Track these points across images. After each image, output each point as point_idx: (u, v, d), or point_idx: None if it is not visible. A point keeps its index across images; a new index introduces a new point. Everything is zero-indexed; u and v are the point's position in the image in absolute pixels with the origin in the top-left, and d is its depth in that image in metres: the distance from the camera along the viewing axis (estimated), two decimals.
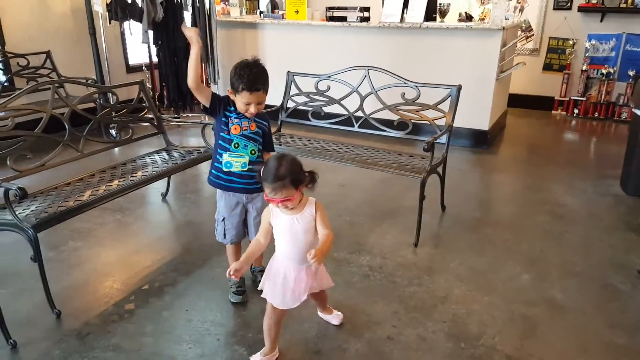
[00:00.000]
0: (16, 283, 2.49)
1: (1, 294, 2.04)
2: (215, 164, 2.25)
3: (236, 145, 2.18)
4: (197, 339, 2.11)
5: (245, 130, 2.18)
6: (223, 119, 2.18)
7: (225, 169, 2.21)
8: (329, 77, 3.58)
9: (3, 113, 2.74)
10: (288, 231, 1.81)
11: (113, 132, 4.86)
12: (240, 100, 2.11)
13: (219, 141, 2.21)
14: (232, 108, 2.18)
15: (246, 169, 2.20)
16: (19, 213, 2.25)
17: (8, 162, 2.48)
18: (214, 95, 2.19)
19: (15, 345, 2.04)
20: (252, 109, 2.11)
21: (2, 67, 4.64)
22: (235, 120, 2.17)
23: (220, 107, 2.19)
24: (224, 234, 2.33)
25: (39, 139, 2.63)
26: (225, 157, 2.19)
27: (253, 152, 2.21)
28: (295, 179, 1.70)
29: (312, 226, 1.81)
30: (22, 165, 2.56)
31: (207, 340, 2.11)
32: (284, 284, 1.85)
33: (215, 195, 2.34)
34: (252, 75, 2.05)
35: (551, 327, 2.23)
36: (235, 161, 2.19)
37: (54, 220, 2.29)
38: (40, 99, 4.38)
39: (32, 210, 2.33)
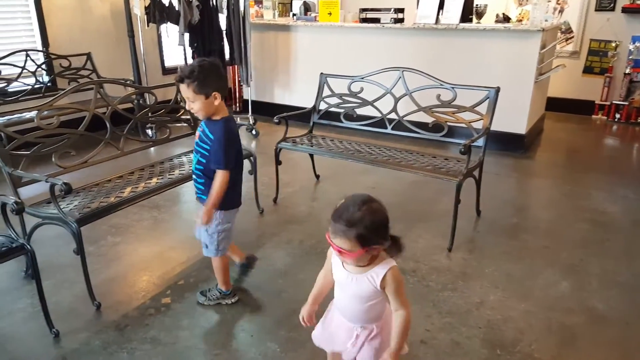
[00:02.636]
0: (58, 275, 2.58)
1: (45, 285, 2.10)
2: None
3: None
4: (231, 334, 2.15)
5: (196, 138, 2.18)
6: None
7: None
8: (362, 78, 3.58)
9: (46, 112, 2.84)
10: (342, 287, 1.50)
11: (149, 132, 4.98)
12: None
13: None
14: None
15: (194, 177, 2.21)
16: (63, 207, 2.33)
17: (53, 159, 2.57)
18: None
19: (57, 335, 2.12)
20: (187, 105, 2.09)
21: (45, 68, 4.81)
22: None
23: None
24: None
25: (81, 137, 2.72)
26: None
27: (198, 162, 2.16)
28: (365, 236, 1.32)
29: (371, 294, 1.45)
30: (66, 162, 2.65)
31: (241, 335, 2.14)
32: (334, 332, 1.59)
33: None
34: (183, 68, 2.02)
35: (591, 337, 2.17)
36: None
37: (96, 215, 2.37)
38: (80, 99, 4.53)
39: (75, 205, 2.42)
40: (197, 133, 2.17)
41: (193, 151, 2.22)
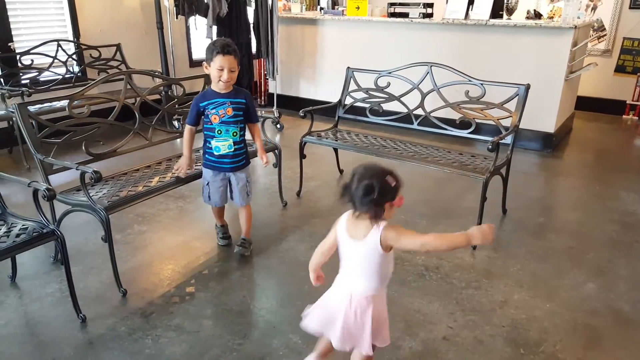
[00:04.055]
0: (86, 261, 2.64)
1: (73, 271, 2.15)
2: (207, 149, 2.58)
3: (219, 132, 2.49)
4: (254, 324, 2.16)
5: (223, 117, 2.46)
6: (204, 116, 2.51)
7: (216, 153, 2.53)
8: (390, 73, 3.55)
9: (77, 101, 2.89)
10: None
11: (176, 123, 5.04)
12: (214, 67, 2.37)
13: (205, 131, 2.54)
14: (204, 103, 2.46)
15: (232, 149, 2.52)
16: (92, 195, 2.36)
17: (83, 147, 2.62)
18: (191, 117, 2.55)
19: (84, 320, 2.17)
20: (225, 75, 2.37)
21: (76, 58, 4.90)
22: (213, 111, 2.46)
23: (199, 113, 2.51)
24: (209, 197, 2.68)
25: (110, 127, 2.76)
26: (214, 142, 2.51)
27: (235, 134, 2.51)
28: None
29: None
30: (96, 151, 2.69)
31: (263, 326, 2.16)
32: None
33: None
34: (224, 41, 2.37)
35: (617, 339, 2.12)
36: (222, 145, 2.51)
37: (124, 204, 2.41)
38: (109, 89, 4.60)
39: (104, 194, 2.46)
40: (225, 111, 2.45)
41: (224, 132, 2.48)
